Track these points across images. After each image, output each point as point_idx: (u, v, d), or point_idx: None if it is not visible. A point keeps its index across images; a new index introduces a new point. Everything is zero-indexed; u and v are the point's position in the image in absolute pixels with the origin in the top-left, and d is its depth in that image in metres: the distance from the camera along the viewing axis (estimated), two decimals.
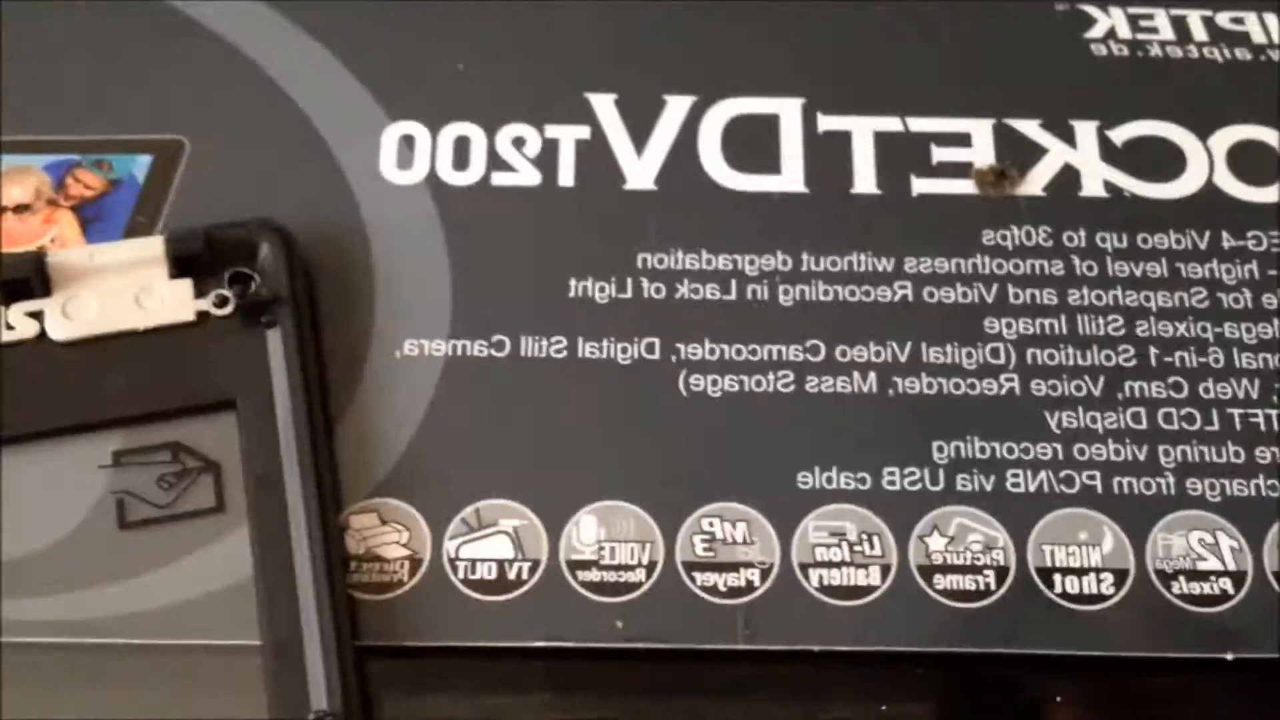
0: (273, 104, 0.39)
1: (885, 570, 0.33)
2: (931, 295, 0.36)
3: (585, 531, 0.34)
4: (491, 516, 0.34)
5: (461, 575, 0.33)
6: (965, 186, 0.38)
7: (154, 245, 0.35)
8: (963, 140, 0.38)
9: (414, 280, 0.36)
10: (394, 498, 0.34)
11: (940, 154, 0.38)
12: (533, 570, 0.33)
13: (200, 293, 0.35)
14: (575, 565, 0.33)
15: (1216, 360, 0.36)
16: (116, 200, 0.37)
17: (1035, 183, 0.38)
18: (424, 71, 0.39)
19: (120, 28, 0.40)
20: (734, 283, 0.36)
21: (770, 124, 0.39)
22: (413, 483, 0.34)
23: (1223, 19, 0.41)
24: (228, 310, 0.34)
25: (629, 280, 0.36)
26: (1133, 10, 0.41)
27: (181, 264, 0.35)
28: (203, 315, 0.34)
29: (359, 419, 0.35)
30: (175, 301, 0.34)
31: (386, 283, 0.36)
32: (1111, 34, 0.40)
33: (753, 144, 0.39)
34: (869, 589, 0.33)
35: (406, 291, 0.36)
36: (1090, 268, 0.37)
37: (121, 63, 0.39)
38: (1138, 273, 0.37)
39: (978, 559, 0.33)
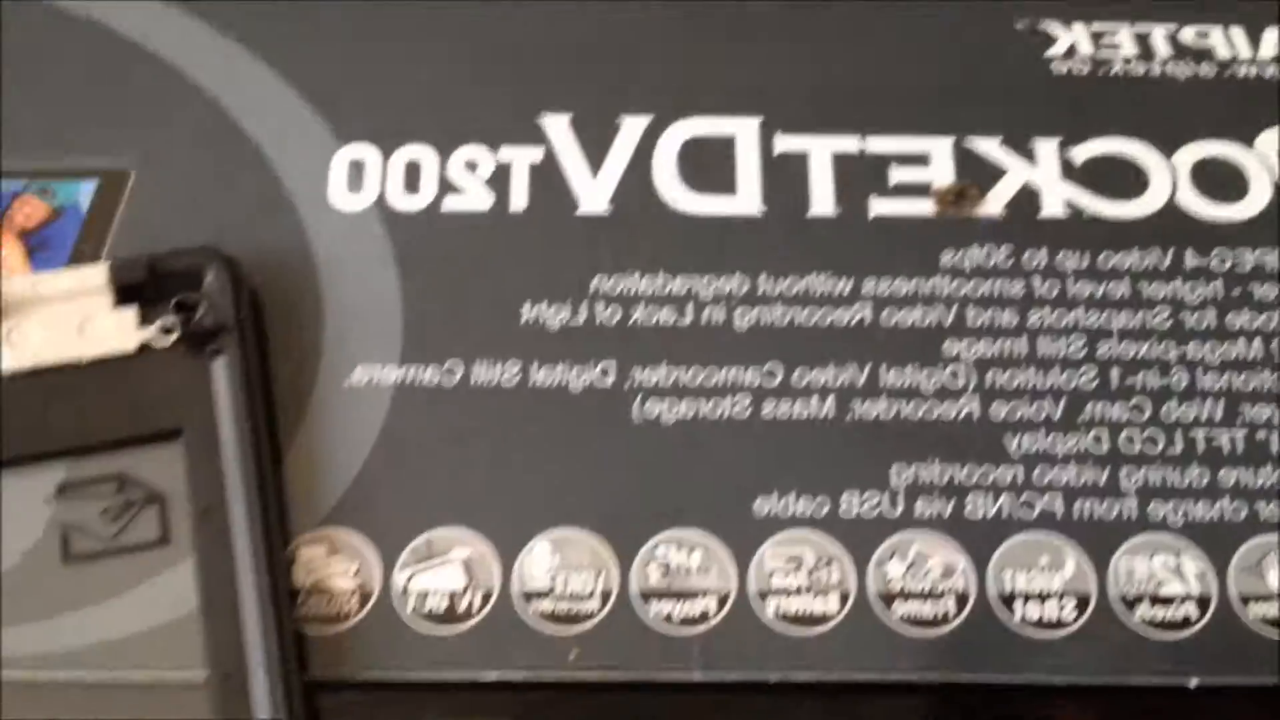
0: (220, 129, 0.38)
1: (844, 597, 0.33)
2: (890, 317, 0.36)
3: (539, 560, 0.33)
4: (443, 546, 0.33)
5: (412, 606, 0.32)
6: (924, 207, 0.37)
7: (97, 274, 0.34)
8: (921, 160, 0.38)
9: (363, 307, 0.36)
10: (343, 528, 0.33)
11: (899, 174, 0.38)
12: (485, 600, 0.33)
13: (145, 321, 0.34)
14: (529, 595, 0.33)
15: (1179, 381, 0.35)
16: (61, 228, 0.36)
17: (995, 202, 0.37)
18: (375, 93, 0.38)
19: (65, 53, 0.39)
20: (689, 306, 0.36)
21: (727, 145, 0.38)
22: (362, 512, 0.33)
23: (1187, 34, 0.40)
24: (172, 339, 0.34)
25: (583, 305, 0.36)
26: (1095, 26, 0.40)
27: (125, 292, 0.34)
28: (147, 344, 0.34)
29: (307, 448, 0.34)
30: (119, 331, 0.34)
31: (335, 309, 0.36)
32: (1073, 51, 0.40)
33: (709, 165, 0.38)
34: (827, 617, 0.33)
35: (356, 318, 0.36)
36: (1051, 288, 0.36)
37: (67, 89, 0.39)
38: (1099, 293, 0.36)
39: (937, 585, 0.33)
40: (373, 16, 0.40)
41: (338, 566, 0.33)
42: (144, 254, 0.35)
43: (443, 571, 0.33)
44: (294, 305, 0.36)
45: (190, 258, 0.35)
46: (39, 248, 0.36)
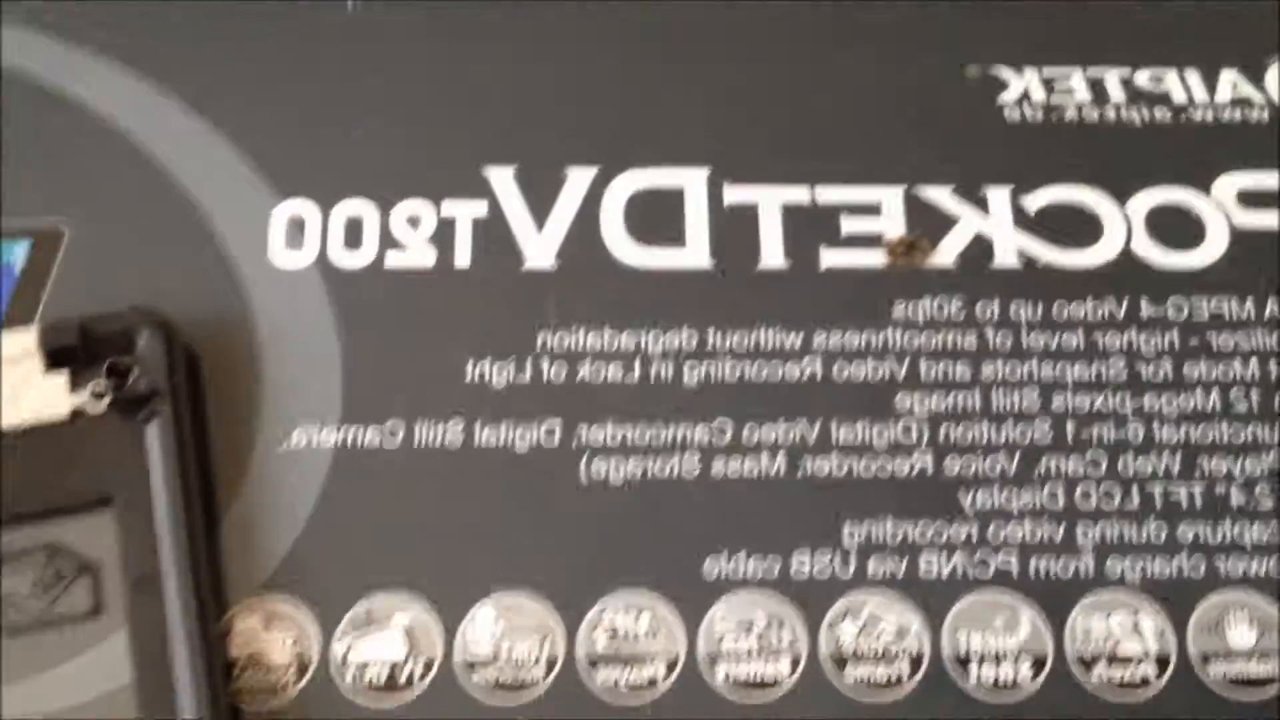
0: (157, 186, 0.37)
1: (795, 661, 0.32)
2: (841, 371, 0.35)
3: (482, 626, 0.32)
4: (383, 613, 0.32)
5: (351, 678, 0.32)
6: (875, 258, 0.37)
7: (27, 338, 0.33)
8: (873, 210, 0.37)
9: (303, 367, 0.35)
10: (281, 596, 0.32)
11: (850, 224, 0.37)
12: (426, 670, 0.32)
13: (77, 385, 0.33)
14: (471, 664, 0.32)
15: (1136, 434, 0.34)
16: None
17: (947, 253, 0.36)
18: (315, 148, 0.38)
19: None
20: (637, 362, 0.35)
21: (675, 196, 0.37)
22: (300, 580, 0.33)
23: (1141, 78, 0.40)
24: (105, 404, 0.32)
25: (528, 362, 0.35)
26: (1047, 72, 0.40)
27: (56, 356, 0.33)
28: (79, 410, 0.32)
29: (244, 513, 0.33)
30: (50, 396, 0.33)
31: (274, 370, 0.35)
32: (1025, 97, 0.39)
33: (657, 217, 0.37)
34: (778, 681, 0.32)
35: (295, 379, 0.35)
36: (1004, 340, 0.35)
37: None
38: (1053, 344, 0.35)
39: (891, 646, 0.32)
40: (311, 71, 0.39)
41: (274, 637, 0.32)
42: (75, 317, 0.34)
43: (383, 640, 0.32)
44: (232, 366, 0.35)
45: (123, 320, 0.34)
46: None
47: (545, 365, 0.35)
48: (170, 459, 0.32)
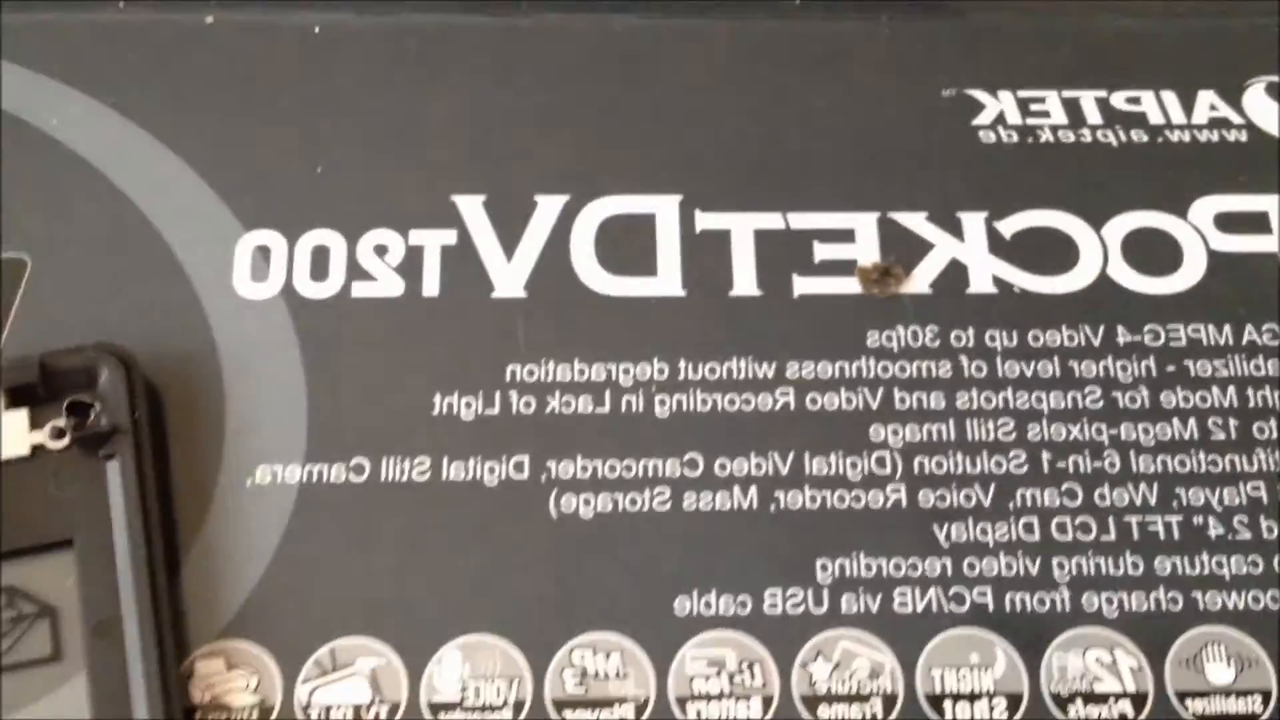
0: (121, 216, 0.37)
1: (767, 702, 0.32)
2: (814, 402, 0.35)
3: (449, 669, 0.32)
4: (348, 657, 0.32)
5: None
6: (849, 285, 0.36)
7: None
8: (846, 236, 0.37)
9: (267, 401, 0.34)
10: (243, 639, 0.32)
11: (823, 251, 0.37)
12: (392, 714, 0.32)
13: (39, 423, 0.32)
14: (437, 708, 0.31)
15: (1112, 464, 0.34)
16: None
17: (921, 279, 0.36)
18: (280, 177, 0.37)
19: None
20: (608, 394, 0.35)
21: (646, 223, 0.37)
22: (263, 622, 0.32)
23: (1118, 99, 0.39)
24: (64, 443, 0.32)
25: (497, 394, 0.35)
26: (1023, 93, 0.39)
27: (16, 394, 0.33)
28: (39, 448, 0.32)
29: (207, 553, 0.33)
30: (10, 435, 0.33)
31: (238, 404, 0.34)
32: (1000, 119, 0.39)
33: (628, 245, 0.37)
34: None
35: (259, 413, 0.34)
36: (979, 368, 0.35)
37: None
38: (1029, 372, 0.35)
39: (864, 686, 0.32)
40: (276, 99, 0.38)
41: (237, 681, 0.31)
42: (35, 354, 0.33)
43: (347, 684, 0.32)
44: (195, 400, 0.34)
45: (84, 356, 0.33)
46: None
47: (514, 397, 0.35)
48: (131, 499, 0.32)
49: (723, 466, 0.34)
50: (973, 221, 0.37)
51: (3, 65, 0.39)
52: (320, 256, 0.36)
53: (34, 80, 0.39)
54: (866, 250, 0.37)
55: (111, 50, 0.40)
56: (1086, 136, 0.39)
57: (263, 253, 0.36)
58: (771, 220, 0.37)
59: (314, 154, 0.38)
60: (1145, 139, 0.39)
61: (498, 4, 0.41)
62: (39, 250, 0.36)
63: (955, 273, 0.37)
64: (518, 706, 0.32)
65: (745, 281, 0.36)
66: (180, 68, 0.39)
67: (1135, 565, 0.33)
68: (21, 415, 0.33)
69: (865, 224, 0.37)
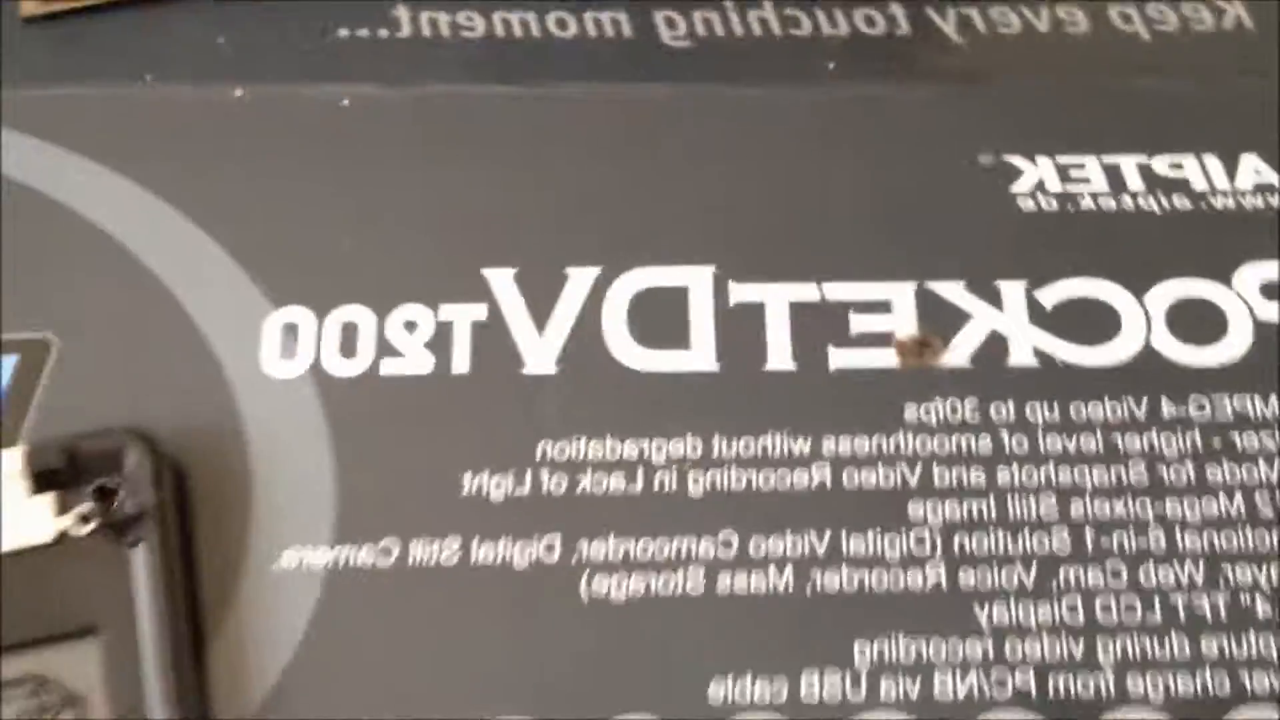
0: (147, 295, 0.36)
1: None
2: (852, 479, 0.34)
3: None
4: None
5: None
6: (886, 358, 0.35)
7: (13, 459, 0.32)
8: (883, 307, 0.36)
9: (295, 482, 0.34)
10: None
11: (859, 323, 0.36)
12: None
13: (63, 508, 0.32)
14: None
15: (1158, 542, 0.33)
16: None
17: (960, 352, 0.35)
18: (309, 253, 0.37)
19: None
20: (640, 471, 0.34)
21: (679, 296, 0.36)
22: (290, 710, 0.32)
23: (1160, 165, 0.38)
24: (90, 528, 0.31)
25: (528, 473, 0.34)
26: (1062, 159, 0.39)
27: (41, 479, 0.32)
28: (63, 534, 0.31)
29: (233, 640, 0.32)
30: (35, 520, 0.32)
31: (265, 486, 0.34)
32: (1040, 186, 0.38)
33: (661, 318, 0.36)
34: None
35: (286, 495, 0.34)
36: (1020, 443, 0.34)
37: None
38: (1071, 447, 0.34)
39: None
40: (303, 173, 0.38)
41: None
42: (60, 437, 0.33)
43: None
44: (222, 482, 0.34)
45: (110, 440, 0.33)
46: None
47: (545, 476, 0.34)
48: (155, 586, 0.32)
49: (758, 546, 0.34)
50: (1012, 291, 0.37)
51: (28, 139, 0.38)
52: (349, 333, 0.36)
53: (58, 155, 0.38)
54: (904, 321, 0.36)
55: (138, 125, 0.39)
56: (1128, 203, 0.38)
57: (291, 330, 0.36)
58: (806, 291, 0.37)
59: (343, 229, 0.37)
60: (1188, 205, 0.38)
61: (526, 76, 0.40)
62: (63, 329, 0.36)
63: (995, 344, 0.36)
64: None
65: (780, 355, 0.36)
66: (207, 142, 0.39)
67: (1181, 646, 0.32)
68: (47, 500, 0.33)
69: (902, 294, 0.37)
